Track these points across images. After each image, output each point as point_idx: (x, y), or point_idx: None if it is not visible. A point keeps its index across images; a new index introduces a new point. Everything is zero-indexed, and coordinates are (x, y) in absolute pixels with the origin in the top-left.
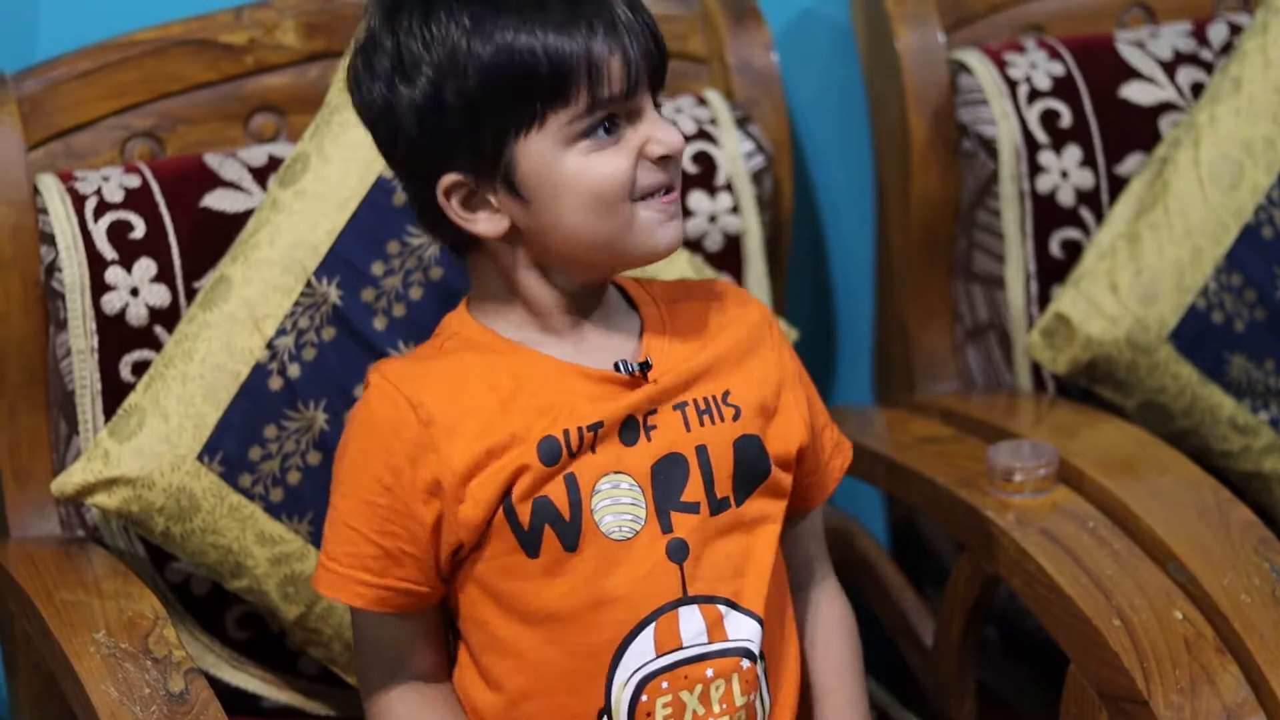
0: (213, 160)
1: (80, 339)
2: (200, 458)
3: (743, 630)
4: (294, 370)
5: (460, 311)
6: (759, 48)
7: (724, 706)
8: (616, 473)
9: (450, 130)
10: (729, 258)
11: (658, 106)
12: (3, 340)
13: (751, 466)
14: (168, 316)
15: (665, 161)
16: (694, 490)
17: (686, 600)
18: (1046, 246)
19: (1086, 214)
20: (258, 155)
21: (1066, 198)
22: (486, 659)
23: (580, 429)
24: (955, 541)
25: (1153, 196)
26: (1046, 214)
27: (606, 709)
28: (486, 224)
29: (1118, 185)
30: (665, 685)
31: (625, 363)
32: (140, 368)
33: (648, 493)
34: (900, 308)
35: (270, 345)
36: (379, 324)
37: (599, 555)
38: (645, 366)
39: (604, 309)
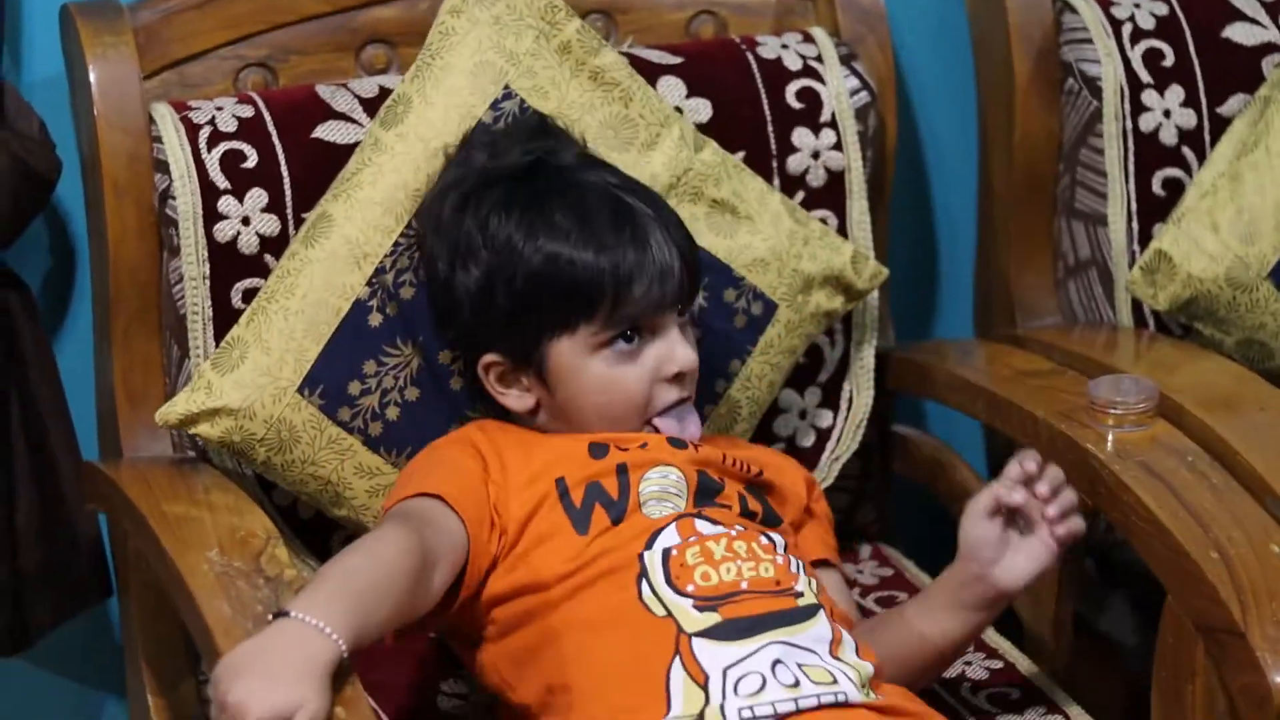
0: (324, 91)
1: (193, 266)
2: (300, 390)
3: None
4: (393, 308)
5: None
6: None
7: (750, 552)
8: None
9: (496, 320)
10: (831, 194)
11: (684, 314)
12: (118, 265)
13: None
14: (278, 245)
15: (680, 377)
16: None
17: (701, 516)
18: (1149, 185)
19: (1188, 153)
20: (369, 86)
21: (1169, 137)
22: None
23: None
24: None
25: (1255, 136)
26: (1149, 152)
27: (643, 573)
28: (516, 400)
29: (1219, 125)
30: (692, 540)
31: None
32: (250, 295)
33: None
34: (1003, 244)
35: (371, 282)
36: None
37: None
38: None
39: None
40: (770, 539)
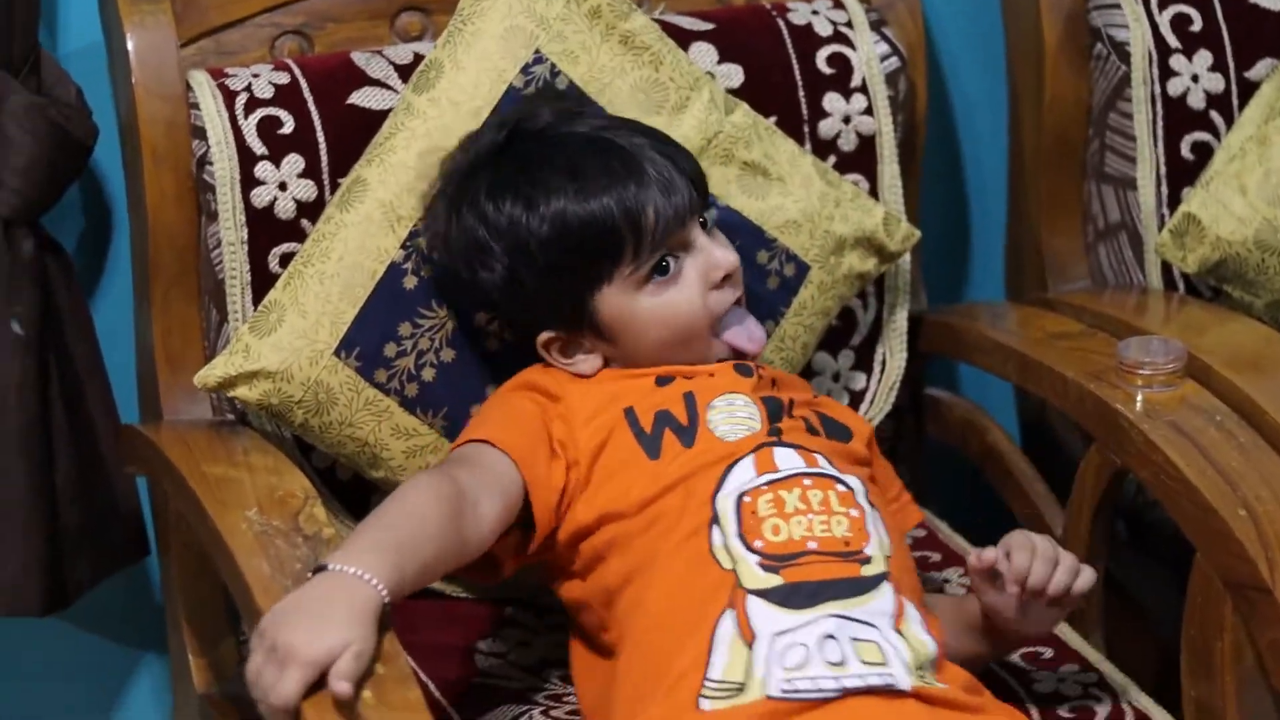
0: (360, 58)
1: (230, 231)
2: (337, 353)
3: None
4: (427, 270)
5: None
6: None
7: (824, 507)
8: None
9: (533, 301)
10: (863, 158)
11: (704, 226)
12: (157, 230)
13: None
14: (314, 210)
15: (728, 279)
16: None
17: (781, 444)
18: (1177, 148)
19: (1216, 117)
20: (403, 53)
21: (1197, 101)
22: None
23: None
24: (1084, 434)
25: None
26: (1177, 117)
27: (716, 519)
28: (585, 364)
29: (1247, 89)
30: (765, 487)
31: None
32: (287, 259)
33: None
34: (1033, 208)
35: (405, 245)
36: None
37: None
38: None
39: None
40: (848, 485)
